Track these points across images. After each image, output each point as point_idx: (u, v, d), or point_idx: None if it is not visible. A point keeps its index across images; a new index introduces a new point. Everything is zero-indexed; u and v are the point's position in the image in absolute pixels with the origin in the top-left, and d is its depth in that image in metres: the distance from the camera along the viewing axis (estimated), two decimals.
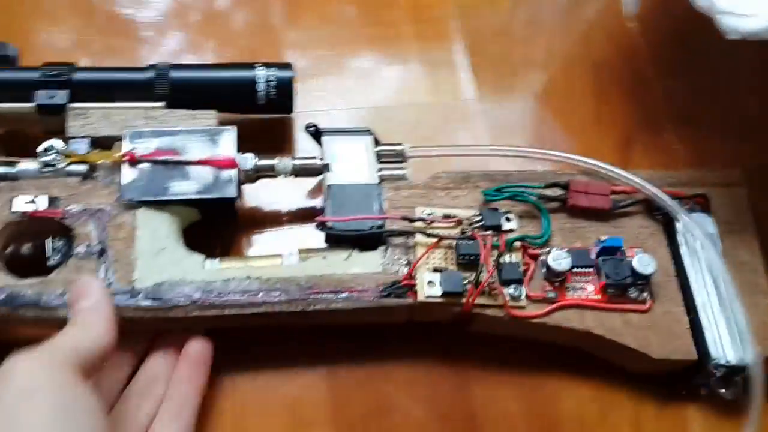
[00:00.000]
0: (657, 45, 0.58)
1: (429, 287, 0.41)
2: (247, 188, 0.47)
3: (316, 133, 0.47)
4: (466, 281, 0.41)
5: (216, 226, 0.46)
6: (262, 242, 0.48)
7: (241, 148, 0.45)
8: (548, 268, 0.42)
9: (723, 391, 0.42)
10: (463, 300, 0.41)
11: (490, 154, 0.48)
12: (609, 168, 0.46)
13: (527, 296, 0.42)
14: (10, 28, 0.55)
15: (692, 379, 0.42)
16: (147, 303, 0.40)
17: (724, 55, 0.56)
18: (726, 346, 0.41)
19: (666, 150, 0.53)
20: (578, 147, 0.53)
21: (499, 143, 0.50)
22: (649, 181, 0.45)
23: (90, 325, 0.36)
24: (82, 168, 0.43)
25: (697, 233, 0.42)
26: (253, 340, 0.43)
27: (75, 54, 0.53)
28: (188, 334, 0.41)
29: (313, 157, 0.46)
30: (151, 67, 0.47)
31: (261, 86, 0.47)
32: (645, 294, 0.43)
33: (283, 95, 0.48)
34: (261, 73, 0.47)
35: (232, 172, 0.44)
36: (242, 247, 0.48)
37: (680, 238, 0.44)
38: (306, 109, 0.52)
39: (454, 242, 0.43)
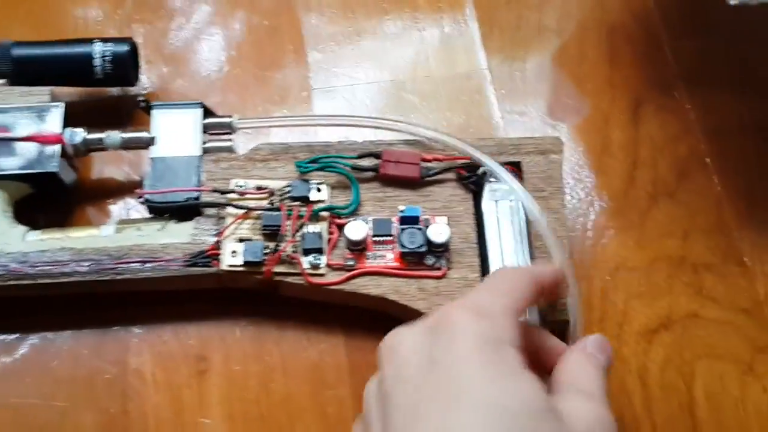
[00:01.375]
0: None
1: (231, 257, 0.44)
2: (98, 161, 0.50)
3: (147, 107, 0.48)
4: (267, 251, 0.44)
5: (50, 199, 0.48)
6: (104, 213, 0.50)
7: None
8: (347, 237, 0.44)
9: None
10: (263, 269, 0.43)
11: (311, 124, 0.50)
12: (427, 133, 0.47)
13: (328, 264, 0.44)
14: None
15: None
16: None
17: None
18: None
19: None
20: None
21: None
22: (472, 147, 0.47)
23: None
24: None
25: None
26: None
27: None
28: None
29: (142, 131, 0.48)
30: None
31: (97, 61, 0.49)
32: (442, 261, 0.44)
33: (119, 68, 0.50)
34: (97, 48, 0.49)
35: (56, 148, 0.46)
36: (86, 219, 0.50)
37: (485, 207, 0.46)
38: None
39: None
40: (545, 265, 0.41)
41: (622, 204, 0.52)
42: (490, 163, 0.45)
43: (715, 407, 0.46)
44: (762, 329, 0.48)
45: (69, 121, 0.47)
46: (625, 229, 0.51)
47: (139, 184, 0.50)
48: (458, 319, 0.31)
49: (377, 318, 0.46)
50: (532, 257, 0.45)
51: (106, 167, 0.52)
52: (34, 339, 0.46)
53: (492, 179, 0.47)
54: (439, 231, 0.44)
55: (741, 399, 0.46)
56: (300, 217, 0.45)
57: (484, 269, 0.45)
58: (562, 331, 0.46)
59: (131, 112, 0.53)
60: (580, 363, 0.35)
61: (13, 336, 0.46)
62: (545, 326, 0.43)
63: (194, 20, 0.58)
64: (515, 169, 0.47)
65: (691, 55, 0.57)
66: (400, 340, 0.33)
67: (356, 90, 0.55)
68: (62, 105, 0.47)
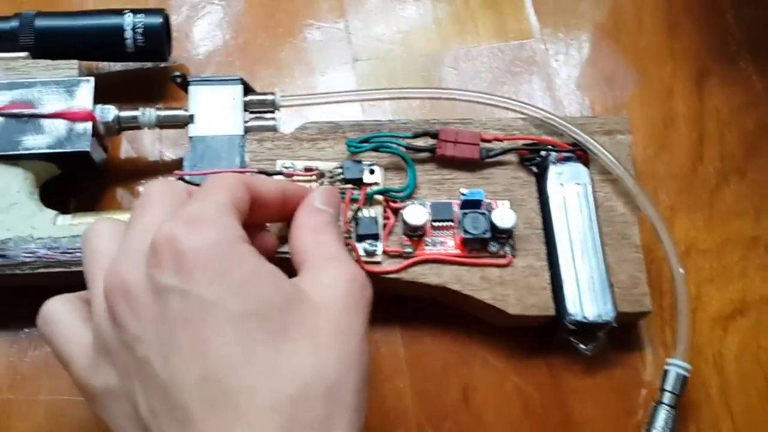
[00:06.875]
0: None
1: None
2: (129, 140, 0.47)
3: (183, 83, 0.45)
4: None
5: (77, 180, 0.45)
6: (135, 196, 0.47)
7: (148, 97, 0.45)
8: (405, 222, 0.41)
9: (583, 346, 0.41)
10: None
11: (360, 99, 0.47)
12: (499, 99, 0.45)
13: (384, 251, 0.41)
14: None
15: (557, 333, 0.41)
16: None
17: None
18: (585, 301, 0.40)
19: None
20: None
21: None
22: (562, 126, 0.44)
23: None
24: None
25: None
26: None
27: None
28: None
29: (179, 108, 0.45)
30: (16, 15, 0.46)
31: (128, 33, 0.46)
32: (506, 248, 0.41)
33: (151, 42, 0.46)
34: (128, 20, 0.46)
35: (87, 125, 0.42)
36: (116, 202, 0.47)
37: (550, 190, 0.43)
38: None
39: None
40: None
41: (689, 182, 0.48)
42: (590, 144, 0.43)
43: None
44: None
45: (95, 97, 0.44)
46: (693, 208, 0.48)
47: (171, 164, 0.47)
48: (176, 235, 0.28)
49: (434, 306, 0.43)
50: (603, 243, 0.42)
51: (134, 146, 0.48)
52: None
53: (556, 161, 0.43)
54: (503, 216, 0.41)
55: None
56: (354, 200, 0.41)
57: (551, 257, 0.41)
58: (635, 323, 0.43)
59: (163, 88, 0.49)
60: (312, 231, 0.34)
61: None
62: (620, 317, 0.40)
63: None
64: (582, 153, 0.44)
65: (755, 23, 0.54)
66: (124, 281, 0.29)
67: (392, 61, 0.52)
68: (92, 80, 0.43)
